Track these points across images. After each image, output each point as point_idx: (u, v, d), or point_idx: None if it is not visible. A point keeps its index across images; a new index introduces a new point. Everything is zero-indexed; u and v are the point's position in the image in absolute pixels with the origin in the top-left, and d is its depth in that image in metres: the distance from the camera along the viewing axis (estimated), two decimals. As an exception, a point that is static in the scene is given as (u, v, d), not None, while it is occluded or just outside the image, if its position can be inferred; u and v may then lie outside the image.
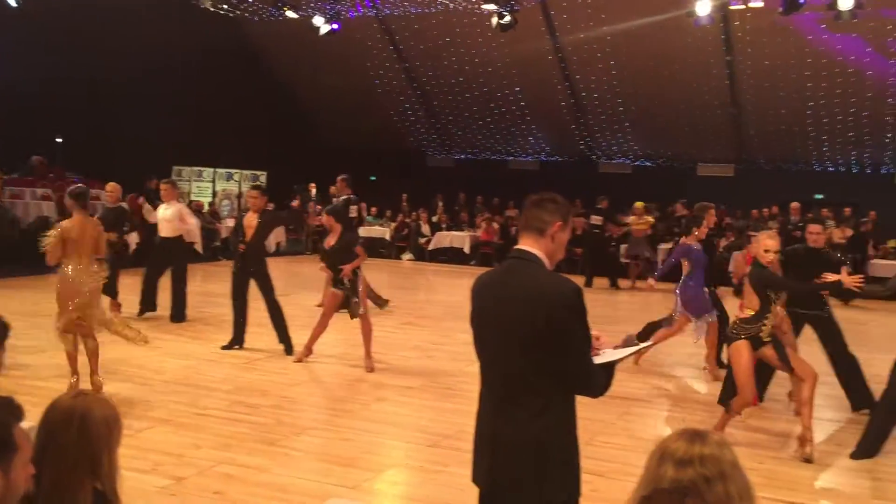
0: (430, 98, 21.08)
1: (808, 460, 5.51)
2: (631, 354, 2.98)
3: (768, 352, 5.62)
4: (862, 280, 5.92)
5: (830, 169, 18.19)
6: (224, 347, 8.33)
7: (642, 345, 3.04)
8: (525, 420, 2.74)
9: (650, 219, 16.01)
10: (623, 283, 15.28)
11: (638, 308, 13.82)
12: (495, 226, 17.86)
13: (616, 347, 2.98)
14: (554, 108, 19.41)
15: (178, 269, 10.00)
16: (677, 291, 8.00)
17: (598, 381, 2.83)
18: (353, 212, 8.74)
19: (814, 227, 7.37)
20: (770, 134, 17.94)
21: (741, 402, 5.66)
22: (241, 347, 8.35)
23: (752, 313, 5.59)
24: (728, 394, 5.82)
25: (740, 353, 5.57)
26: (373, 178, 20.96)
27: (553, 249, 2.88)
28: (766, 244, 5.68)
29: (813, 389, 5.65)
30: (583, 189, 16.74)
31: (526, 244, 2.87)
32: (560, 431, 2.80)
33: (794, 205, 14.39)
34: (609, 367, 2.87)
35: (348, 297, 7.81)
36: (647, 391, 7.39)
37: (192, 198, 18.64)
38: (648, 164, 19.93)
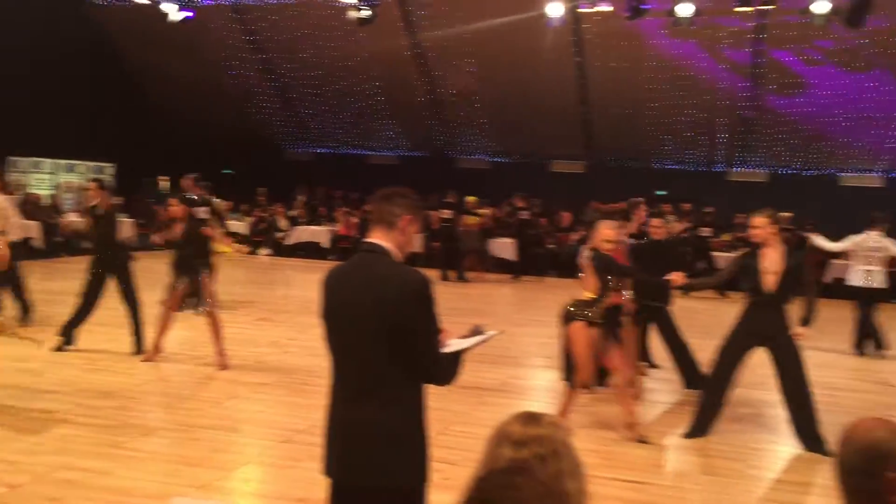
0: (287, 91, 20.71)
1: (642, 441, 5.85)
2: (478, 344, 3.06)
3: (594, 333, 5.88)
4: (687, 277, 6.29)
5: (670, 167, 19.27)
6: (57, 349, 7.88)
7: (490, 333, 3.13)
8: (376, 410, 2.79)
9: (486, 211, 16.59)
10: (470, 275, 15.73)
11: (491, 300, 14.20)
12: (354, 220, 17.80)
13: (463, 337, 3.07)
14: (413, 104, 19.55)
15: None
16: None
17: (447, 370, 2.91)
18: (201, 213, 8.49)
19: (655, 221, 7.88)
20: (616, 133, 18.80)
21: (580, 379, 5.91)
22: (68, 345, 7.93)
23: (592, 296, 5.88)
24: (569, 373, 6.06)
25: (579, 335, 5.82)
26: (228, 171, 20.37)
27: (403, 242, 2.96)
28: (606, 234, 5.99)
29: (626, 379, 6.03)
30: (441, 184, 16.97)
31: (376, 237, 2.92)
32: (410, 420, 2.86)
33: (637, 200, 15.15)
34: (456, 357, 2.96)
35: (192, 292, 7.60)
36: (502, 381, 7.61)
37: (30, 190, 17.49)
38: (505, 160, 20.43)
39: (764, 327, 5.95)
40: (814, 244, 10.87)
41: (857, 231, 10.01)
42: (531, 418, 2.06)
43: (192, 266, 7.65)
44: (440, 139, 20.55)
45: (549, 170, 20.01)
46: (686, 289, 6.59)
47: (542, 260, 17.13)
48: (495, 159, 20.55)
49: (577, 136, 19.38)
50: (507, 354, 8.67)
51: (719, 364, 6.10)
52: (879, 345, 9.83)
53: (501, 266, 16.87)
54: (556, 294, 13.91)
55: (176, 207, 7.91)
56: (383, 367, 2.79)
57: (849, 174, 18.24)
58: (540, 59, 17.47)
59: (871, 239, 9.71)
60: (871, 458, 1.85)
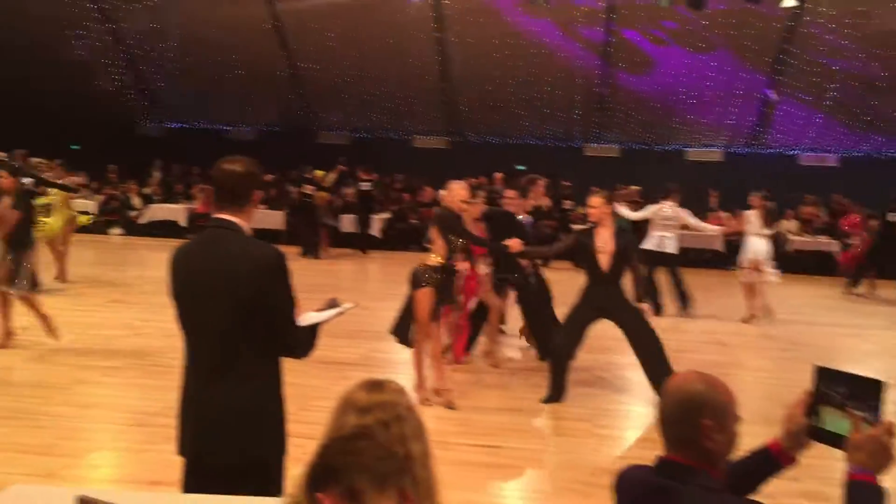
0: (138, 63, 19.73)
1: (450, 407, 6.04)
2: (334, 317, 3.07)
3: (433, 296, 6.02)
4: (525, 243, 6.47)
5: (530, 142, 19.77)
6: None
7: (345, 305, 3.14)
8: (231, 387, 2.76)
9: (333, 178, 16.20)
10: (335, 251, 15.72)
11: (354, 275, 14.19)
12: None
13: (319, 311, 3.07)
14: (272, 78, 19.05)
15: None
16: None
17: (304, 343, 2.92)
18: (29, 185, 8.03)
19: (509, 192, 8.08)
20: (477, 109, 19.09)
21: (422, 337, 6.09)
22: None
23: (440, 261, 6.00)
24: (402, 333, 6.23)
25: (424, 300, 5.94)
26: (75, 146, 19.22)
27: (251, 216, 2.93)
28: (459, 193, 6.09)
29: (435, 349, 6.22)
30: (303, 160, 16.68)
31: (224, 213, 2.87)
32: (267, 395, 2.86)
33: (498, 175, 15.49)
34: (313, 330, 2.96)
35: (11, 271, 7.19)
36: (362, 355, 7.64)
37: None
38: (367, 136, 20.32)
39: (603, 302, 6.25)
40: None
41: (702, 202, 10.69)
42: (375, 385, 2.10)
43: (17, 242, 7.24)
44: (301, 114, 20.18)
45: (411, 145, 20.08)
46: (522, 256, 6.80)
47: (405, 234, 17.23)
48: (357, 135, 20.40)
49: (440, 111, 19.53)
50: (369, 328, 8.67)
51: (564, 334, 6.38)
52: (658, 309, 10.17)
53: (350, 240, 16.78)
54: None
55: (5, 180, 7.42)
56: (238, 343, 2.76)
57: (694, 149, 19.31)
58: (400, 34, 17.46)
59: (666, 208, 10.48)
60: (689, 408, 2.00)
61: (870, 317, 11.38)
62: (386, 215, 17.34)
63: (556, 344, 6.47)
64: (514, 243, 6.26)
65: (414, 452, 1.98)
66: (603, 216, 6.22)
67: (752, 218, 10.34)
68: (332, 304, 3.15)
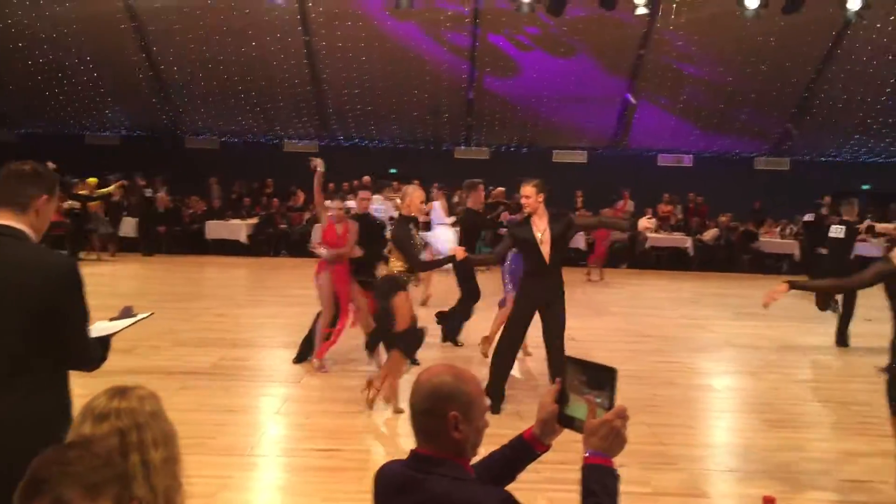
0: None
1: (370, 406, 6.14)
2: (128, 326, 2.99)
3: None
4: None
5: (400, 145, 19.88)
6: None
7: (141, 315, 3.06)
8: (19, 400, 2.64)
9: (110, 190, 15.89)
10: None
11: (219, 282, 13.86)
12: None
13: (113, 319, 2.98)
14: (132, 81, 18.37)
15: None
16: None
17: (96, 354, 2.82)
18: None
19: (363, 194, 8.16)
20: (347, 112, 19.02)
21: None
22: None
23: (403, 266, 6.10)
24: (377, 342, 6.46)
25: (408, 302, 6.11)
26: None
27: (39, 224, 2.80)
28: (420, 196, 6.28)
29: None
30: (168, 165, 16.22)
31: (8, 219, 2.73)
32: (57, 408, 2.74)
33: (366, 179, 15.49)
34: (105, 340, 2.87)
35: None
36: (212, 363, 7.45)
37: None
38: (236, 139, 19.91)
39: (544, 293, 6.11)
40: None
41: (570, 202, 10.99)
42: (118, 392, 2.05)
43: None
44: (165, 118, 19.56)
45: (281, 150, 19.81)
46: (472, 263, 6.85)
47: (275, 240, 16.98)
48: (225, 139, 19.96)
49: (309, 115, 19.35)
50: (226, 336, 8.52)
51: (510, 339, 6.27)
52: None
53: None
54: (283, 275, 13.95)
55: None
56: (27, 355, 2.64)
57: (560, 151, 19.89)
58: (266, 37, 17.19)
59: None
60: (438, 400, 2.05)
61: (721, 308, 12.00)
62: (253, 220, 17.02)
63: (502, 349, 6.27)
64: (458, 251, 6.08)
65: (153, 460, 1.95)
66: (537, 205, 6.04)
67: (436, 207, 10.72)
68: (127, 312, 3.07)
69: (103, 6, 16.63)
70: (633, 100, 18.48)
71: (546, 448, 2.23)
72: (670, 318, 10.92)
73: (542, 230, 6.01)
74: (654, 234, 16.62)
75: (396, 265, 6.08)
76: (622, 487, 1.90)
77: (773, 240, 17.24)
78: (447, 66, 18.11)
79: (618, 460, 1.92)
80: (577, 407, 2.07)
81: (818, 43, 16.84)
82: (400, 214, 6.33)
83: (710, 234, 17.05)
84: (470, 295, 8.46)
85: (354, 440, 5.54)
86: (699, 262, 16.73)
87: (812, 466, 5.27)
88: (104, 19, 16.85)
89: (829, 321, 9.81)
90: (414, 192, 6.18)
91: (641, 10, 15.50)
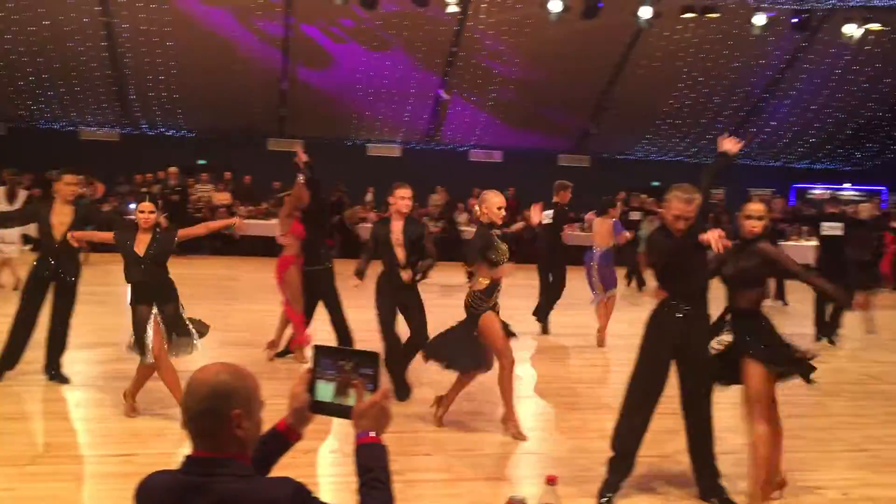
0: None
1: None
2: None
3: None
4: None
5: (210, 136, 19.15)
6: None
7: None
8: None
9: None
10: None
11: None
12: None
13: None
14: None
15: None
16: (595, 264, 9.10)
17: None
18: None
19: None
20: (152, 99, 18.10)
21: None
22: None
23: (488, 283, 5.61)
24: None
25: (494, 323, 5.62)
26: None
27: None
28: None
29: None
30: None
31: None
32: None
33: (172, 169, 14.87)
34: None
35: None
36: None
37: None
38: (25, 125, 18.39)
39: (399, 293, 6.25)
40: None
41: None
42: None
43: None
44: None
45: (78, 137, 18.53)
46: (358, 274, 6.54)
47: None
48: (13, 125, 18.42)
49: (111, 101, 18.24)
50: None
51: (388, 335, 6.30)
52: None
53: None
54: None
55: None
56: None
57: (375, 144, 19.99)
58: (61, 16, 15.97)
59: None
60: (218, 399, 2.01)
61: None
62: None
63: (387, 346, 6.29)
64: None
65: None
66: (409, 209, 6.29)
67: None
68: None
69: None
70: (445, 95, 18.89)
71: (299, 437, 2.28)
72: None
73: (397, 232, 6.24)
74: (467, 228, 17.11)
75: (483, 282, 5.60)
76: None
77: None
78: (259, 55, 17.66)
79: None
80: (325, 391, 2.15)
81: (613, 48, 17.96)
82: (479, 223, 5.81)
83: (517, 227, 17.71)
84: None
85: (152, 442, 5.30)
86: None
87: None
88: None
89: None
90: (493, 199, 5.67)
91: (453, 9, 15.86)
